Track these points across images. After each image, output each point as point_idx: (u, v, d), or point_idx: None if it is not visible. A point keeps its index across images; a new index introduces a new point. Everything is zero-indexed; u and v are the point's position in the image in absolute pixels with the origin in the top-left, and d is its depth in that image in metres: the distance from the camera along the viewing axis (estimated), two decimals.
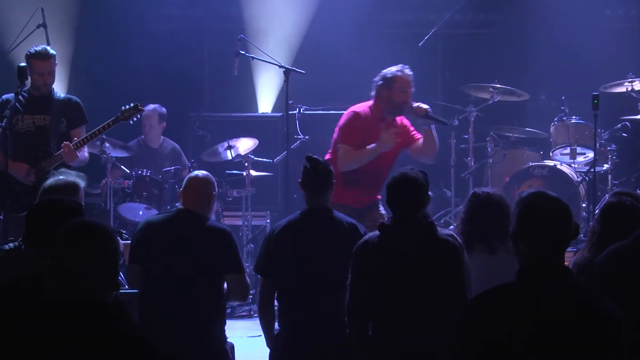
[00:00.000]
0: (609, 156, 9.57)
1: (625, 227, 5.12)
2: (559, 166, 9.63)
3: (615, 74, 9.77)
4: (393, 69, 7.30)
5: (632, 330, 3.53)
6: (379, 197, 7.37)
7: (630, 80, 9.58)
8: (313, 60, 10.43)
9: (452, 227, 8.17)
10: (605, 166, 9.57)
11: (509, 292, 3.37)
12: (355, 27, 10.80)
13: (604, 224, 5.30)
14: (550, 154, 9.82)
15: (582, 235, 8.30)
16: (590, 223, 7.26)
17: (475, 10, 11.52)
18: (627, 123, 9.71)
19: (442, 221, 9.82)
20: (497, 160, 9.98)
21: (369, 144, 7.17)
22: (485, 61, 11.09)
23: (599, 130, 9.20)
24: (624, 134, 9.75)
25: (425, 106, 7.27)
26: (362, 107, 7.34)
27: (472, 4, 11.25)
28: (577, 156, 9.67)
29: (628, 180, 9.71)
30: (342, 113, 7.44)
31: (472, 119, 9.93)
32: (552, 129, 9.90)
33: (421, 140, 7.38)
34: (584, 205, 9.30)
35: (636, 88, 9.59)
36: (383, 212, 7.29)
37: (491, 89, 9.98)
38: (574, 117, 9.84)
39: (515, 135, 10.18)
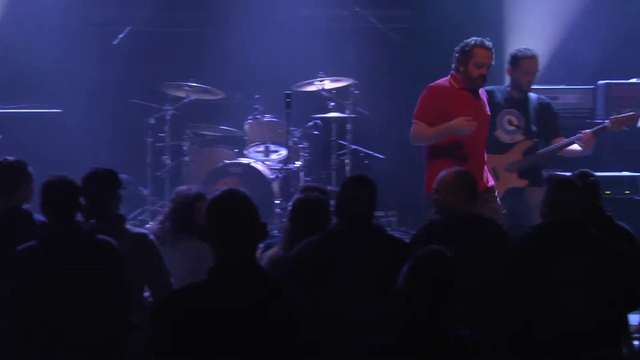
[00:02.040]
0: (301, 154, 9.82)
1: (315, 222, 5.30)
2: (253, 164, 9.73)
3: (307, 73, 10.05)
4: (472, 40, 7.02)
5: (321, 325, 3.66)
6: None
7: (320, 79, 9.89)
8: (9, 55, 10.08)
9: (148, 225, 8.13)
10: (298, 163, 9.81)
11: (200, 290, 3.39)
12: (57, 24, 10.50)
13: (295, 220, 5.45)
14: (245, 152, 9.95)
15: (275, 231, 8.51)
16: (284, 220, 7.44)
17: (171, 9, 11.47)
18: (318, 121, 10.02)
19: (138, 219, 9.74)
20: (194, 159, 10.00)
21: (452, 115, 6.85)
22: (181, 60, 11.09)
23: (292, 128, 9.45)
24: (315, 132, 10.05)
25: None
26: (442, 80, 7.08)
27: (170, 3, 11.23)
28: (270, 154, 9.84)
29: (319, 177, 10.01)
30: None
31: (169, 117, 9.92)
32: (246, 127, 10.03)
33: None
34: (277, 202, 9.51)
35: (326, 87, 9.91)
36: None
37: (187, 88, 10.01)
38: (267, 115, 10.03)
39: (211, 133, 10.26)
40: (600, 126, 7.70)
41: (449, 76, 7.04)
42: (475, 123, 6.71)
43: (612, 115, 7.89)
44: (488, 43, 6.97)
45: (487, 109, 7.13)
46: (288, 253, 5.16)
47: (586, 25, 9.87)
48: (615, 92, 9.19)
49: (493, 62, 7.00)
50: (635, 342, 5.69)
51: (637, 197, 8.52)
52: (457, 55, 6.99)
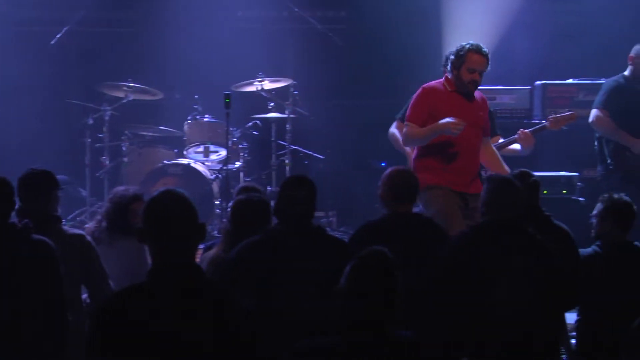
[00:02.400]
0: (241, 154, 9.82)
1: (255, 222, 5.30)
2: (192, 164, 9.70)
3: (246, 74, 10.04)
4: (468, 44, 6.91)
5: (261, 325, 3.65)
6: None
7: (260, 79, 9.89)
8: None
9: (87, 225, 8.06)
10: (238, 164, 9.80)
11: (139, 292, 3.36)
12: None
13: (235, 221, 5.44)
14: (185, 152, 9.92)
15: (215, 232, 8.49)
16: (224, 220, 7.43)
17: (109, 9, 11.39)
18: (258, 121, 10.01)
19: (77, 220, 9.65)
20: (133, 159, 9.94)
21: (441, 117, 6.75)
22: (119, 60, 11.00)
23: (231, 129, 9.44)
24: (254, 132, 10.05)
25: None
26: (436, 82, 6.99)
27: (108, 3, 11.15)
28: (210, 154, 9.84)
29: (259, 177, 10.00)
30: None
31: (107, 118, 9.84)
32: (186, 127, 10.00)
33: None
34: (217, 202, 9.48)
35: (266, 87, 9.91)
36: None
37: (125, 88, 9.93)
38: (207, 115, 10.01)
39: (150, 134, 10.20)
40: (540, 125, 7.80)
41: (443, 78, 7.00)
42: (463, 124, 6.63)
43: (550, 115, 8.00)
44: (484, 50, 6.89)
45: (483, 112, 7.05)
46: (228, 254, 5.15)
47: (523, 26, 9.98)
48: (552, 92, 9.31)
49: (488, 69, 6.94)
50: (572, 341, 5.77)
51: (574, 197, 8.63)
52: (452, 57, 6.92)
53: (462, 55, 6.83)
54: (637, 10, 10.33)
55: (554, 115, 7.83)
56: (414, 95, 6.99)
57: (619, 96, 8.07)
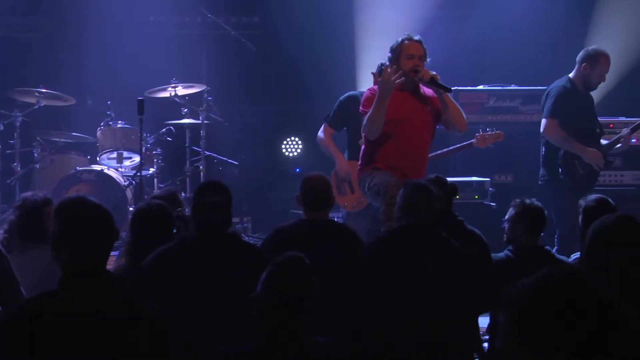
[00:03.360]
0: (155, 160, 9.78)
1: (156, 231, 5.26)
2: (106, 170, 9.65)
3: (160, 79, 9.99)
4: (400, 38, 6.84)
5: (177, 333, 3.64)
6: None
7: (173, 85, 9.84)
8: None
9: None
10: (152, 170, 9.76)
11: (51, 299, 3.34)
12: None
13: (135, 231, 5.36)
14: (98, 159, 9.84)
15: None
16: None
17: (21, 14, 11.23)
18: (172, 127, 9.97)
19: None
20: (45, 166, 9.83)
21: (397, 115, 6.69)
22: (31, 65, 10.87)
23: (145, 135, 9.37)
24: (168, 138, 10.01)
25: (431, 72, 6.79)
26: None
27: (19, 8, 11.00)
28: (124, 160, 9.79)
29: (173, 183, 9.97)
30: None
31: (18, 123, 9.71)
32: (99, 133, 9.92)
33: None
34: (131, 209, 9.40)
35: (179, 93, 9.87)
36: None
37: (37, 94, 9.82)
38: (120, 121, 9.94)
39: (62, 140, 10.09)
40: (467, 143, 7.90)
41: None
42: (400, 73, 6.62)
43: (478, 133, 8.12)
44: (416, 37, 6.89)
45: (431, 106, 6.93)
46: (132, 264, 5.12)
47: (435, 33, 10.09)
48: (463, 98, 9.41)
49: (428, 60, 6.89)
50: (485, 345, 5.85)
51: (486, 202, 8.75)
52: (389, 56, 6.91)
53: (396, 48, 6.86)
54: (548, 18, 10.54)
55: (481, 133, 7.92)
56: (363, 96, 6.97)
57: (568, 102, 8.00)
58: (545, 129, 8.02)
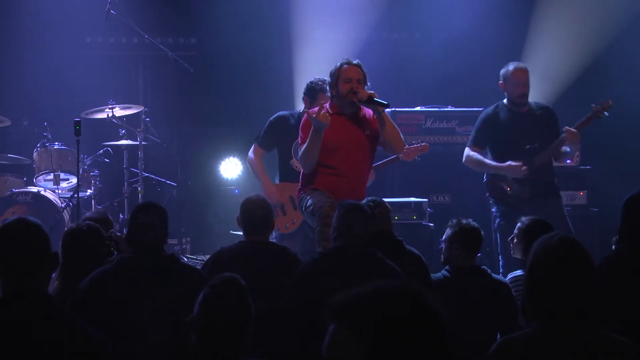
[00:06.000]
0: (92, 181, 9.69)
1: (85, 253, 5.23)
2: (43, 192, 9.55)
3: (97, 101, 9.91)
4: (339, 63, 6.84)
5: (114, 356, 3.61)
6: None
7: (110, 106, 9.77)
8: None
9: None
10: (89, 191, 9.67)
11: None
12: None
13: (64, 253, 5.30)
14: (34, 180, 9.73)
15: None
16: None
17: None
18: (109, 149, 9.90)
19: None
20: None
21: (333, 141, 6.69)
22: None
23: (82, 156, 9.29)
24: (106, 160, 9.92)
25: (369, 92, 6.74)
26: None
27: None
28: (61, 182, 9.68)
29: (111, 204, 9.88)
30: None
31: None
32: (35, 155, 9.80)
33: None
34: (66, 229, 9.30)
35: (117, 114, 9.80)
36: None
37: None
38: (56, 143, 9.83)
39: None
40: (393, 157, 7.91)
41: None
42: (327, 116, 6.62)
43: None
44: (355, 61, 6.92)
45: (369, 130, 6.93)
46: (63, 284, 5.08)
47: (373, 53, 10.14)
48: (401, 119, 9.47)
49: (369, 84, 6.92)
50: None
51: (424, 222, 8.79)
52: (329, 81, 6.97)
53: (335, 73, 6.89)
54: (484, 39, 10.66)
55: (407, 146, 7.98)
56: (301, 122, 6.98)
57: (492, 127, 8.06)
58: (464, 159, 8.13)
